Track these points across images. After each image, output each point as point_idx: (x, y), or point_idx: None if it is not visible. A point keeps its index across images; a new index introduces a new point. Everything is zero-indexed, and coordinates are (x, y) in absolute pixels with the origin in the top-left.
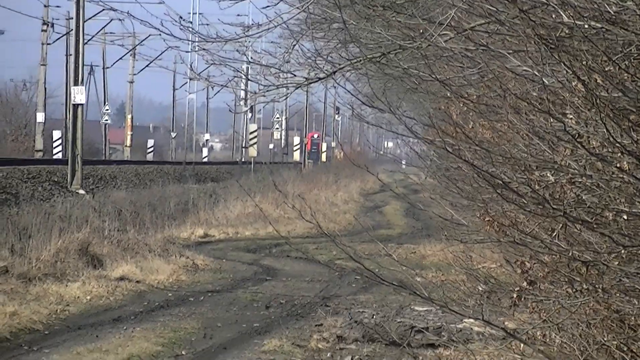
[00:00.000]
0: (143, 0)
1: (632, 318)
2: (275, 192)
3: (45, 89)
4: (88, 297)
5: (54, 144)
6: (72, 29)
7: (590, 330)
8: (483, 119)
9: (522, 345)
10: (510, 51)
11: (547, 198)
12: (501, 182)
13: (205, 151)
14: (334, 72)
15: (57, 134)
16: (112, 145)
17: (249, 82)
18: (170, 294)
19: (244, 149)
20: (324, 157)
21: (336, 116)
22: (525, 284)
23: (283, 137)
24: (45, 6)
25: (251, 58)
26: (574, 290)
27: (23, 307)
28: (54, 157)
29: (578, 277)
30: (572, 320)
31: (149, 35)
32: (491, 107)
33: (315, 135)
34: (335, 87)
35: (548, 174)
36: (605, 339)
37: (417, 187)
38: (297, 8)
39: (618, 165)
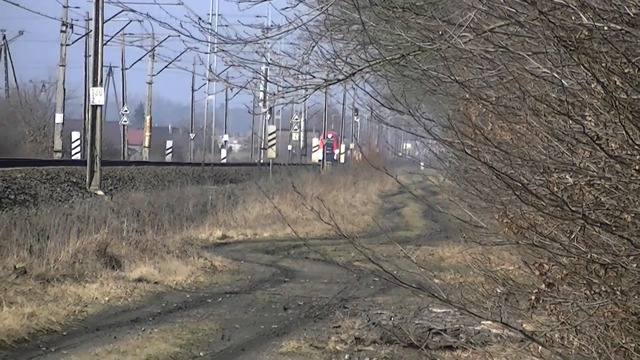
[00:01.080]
0: (162, 1)
1: None
2: (294, 193)
3: (64, 89)
4: (106, 298)
5: (73, 145)
6: (91, 30)
7: (608, 333)
8: (502, 120)
9: (540, 347)
10: (530, 53)
11: (565, 200)
12: (520, 184)
13: (223, 152)
14: (353, 74)
15: (75, 135)
16: (131, 146)
17: (267, 83)
18: (188, 295)
19: (262, 150)
20: (342, 158)
21: (355, 117)
22: (543, 286)
23: (302, 139)
24: (64, 7)
25: (270, 59)
26: (592, 292)
27: (41, 308)
28: (73, 157)
29: (596, 280)
30: (591, 322)
31: (168, 37)
32: (510, 108)
33: (330, 136)
34: (354, 89)
35: (567, 176)
36: (623, 342)
37: (435, 188)
38: (317, 9)
39: (637, 167)
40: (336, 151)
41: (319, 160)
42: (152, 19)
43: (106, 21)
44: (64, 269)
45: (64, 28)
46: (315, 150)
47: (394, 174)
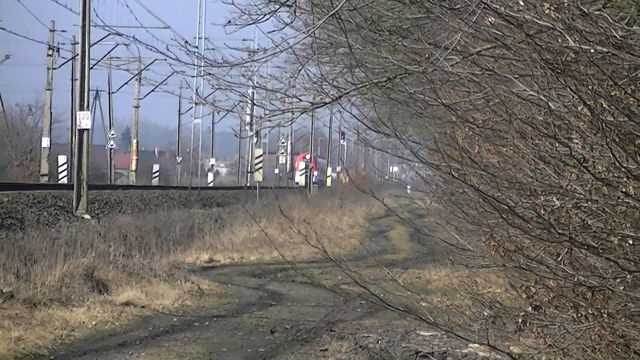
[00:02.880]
0: (149, 25)
1: (638, 343)
2: (281, 216)
3: (50, 113)
4: (93, 322)
5: (60, 169)
6: (77, 54)
7: (595, 355)
8: (489, 143)
9: None
10: (516, 75)
11: (552, 223)
12: (507, 207)
13: (210, 176)
14: (340, 97)
15: (62, 159)
16: (118, 170)
17: (254, 106)
18: (175, 319)
19: (249, 174)
20: (328, 181)
21: (342, 141)
22: (530, 308)
23: (288, 162)
24: (51, 31)
25: (257, 83)
26: (579, 315)
27: (28, 332)
28: (60, 181)
29: (583, 302)
30: (578, 345)
31: (155, 60)
32: (497, 131)
33: (307, 157)
34: (340, 112)
35: (554, 199)
36: None
37: (422, 211)
38: (303, 33)
39: (624, 190)
40: (315, 173)
41: (297, 183)
42: (139, 42)
43: (93, 45)
44: (51, 293)
45: (50, 52)
46: (302, 174)
47: (381, 197)
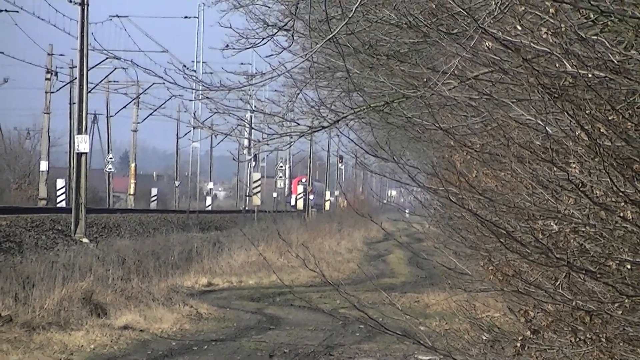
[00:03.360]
0: (147, 49)
1: None
2: (279, 240)
3: (49, 137)
4: (92, 346)
5: (58, 192)
6: (75, 78)
7: None
8: (486, 167)
9: None
10: (514, 100)
11: (550, 247)
12: (504, 232)
13: (208, 200)
14: (337, 121)
15: (60, 183)
16: (116, 193)
17: (252, 130)
18: (174, 343)
19: (247, 198)
20: (326, 205)
21: (340, 164)
22: (528, 333)
23: (286, 186)
24: (49, 54)
25: (255, 106)
26: (578, 339)
27: (27, 355)
28: (58, 205)
29: (581, 327)
30: None
31: (153, 84)
32: (495, 155)
33: (303, 180)
34: (338, 136)
35: (552, 223)
36: None
37: (420, 235)
38: (301, 57)
39: (621, 214)
40: (312, 196)
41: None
42: (137, 66)
43: (91, 69)
44: (50, 316)
45: (48, 76)
46: (300, 197)
47: (379, 221)
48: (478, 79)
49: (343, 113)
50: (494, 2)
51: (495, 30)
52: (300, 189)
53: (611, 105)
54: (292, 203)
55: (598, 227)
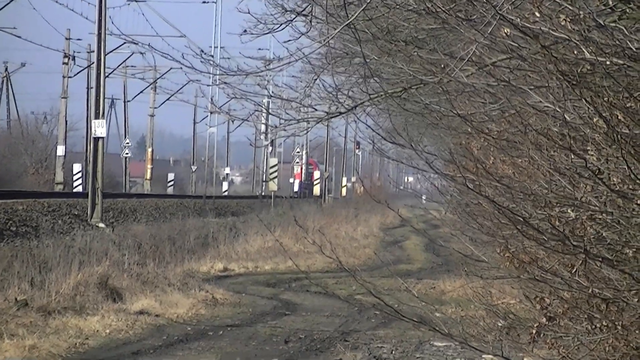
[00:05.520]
0: (165, 33)
1: None
2: (295, 226)
3: (66, 121)
4: (107, 331)
5: (75, 177)
6: (93, 62)
7: None
8: (504, 154)
9: None
10: (532, 87)
11: (567, 235)
12: (521, 219)
13: (225, 185)
14: (355, 107)
15: (77, 167)
16: (133, 178)
17: (269, 116)
18: (189, 328)
19: (264, 183)
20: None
21: (357, 150)
22: (544, 320)
23: (304, 171)
24: (66, 39)
25: (272, 92)
26: (594, 326)
27: (42, 340)
28: (74, 190)
29: (597, 314)
30: (592, 356)
31: (170, 69)
32: (512, 142)
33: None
34: (355, 122)
35: (568, 211)
36: None
37: (437, 222)
38: (319, 42)
39: (639, 202)
40: (315, 181)
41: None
42: (155, 51)
43: (108, 53)
44: (65, 301)
45: (66, 60)
46: (317, 183)
47: (396, 208)
48: (496, 66)
49: (360, 99)
50: None
51: (514, 16)
52: (317, 175)
53: (629, 93)
54: (295, 189)
55: (615, 215)
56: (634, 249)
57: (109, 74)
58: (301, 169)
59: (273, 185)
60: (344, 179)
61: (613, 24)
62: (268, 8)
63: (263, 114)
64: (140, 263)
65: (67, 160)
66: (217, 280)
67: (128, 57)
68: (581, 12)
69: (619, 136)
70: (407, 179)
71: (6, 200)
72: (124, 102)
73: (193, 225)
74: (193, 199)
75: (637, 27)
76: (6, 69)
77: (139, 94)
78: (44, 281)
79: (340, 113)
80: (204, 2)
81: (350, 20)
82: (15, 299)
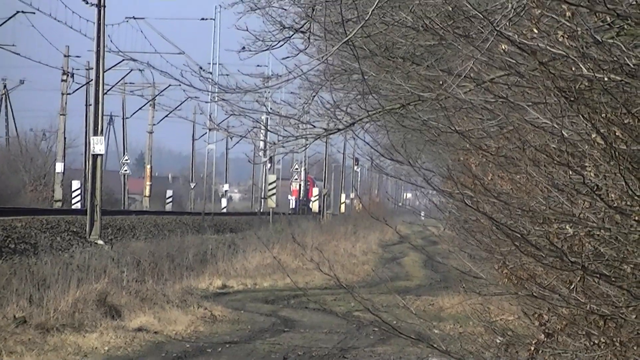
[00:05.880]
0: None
1: None
2: (294, 243)
3: (64, 138)
4: (106, 348)
5: (73, 194)
6: (92, 79)
7: None
8: (502, 170)
9: None
10: (530, 103)
11: (565, 251)
12: (519, 235)
13: (224, 202)
14: (353, 124)
15: (76, 184)
16: (131, 195)
17: (268, 132)
18: (188, 345)
19: (262, 200)
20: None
21: (355, 167)
22: (542, 336)
23: (302, 188)
24: (65, 56)
25: (270, 109)
26: (592, 343)
27: (41, 357)
28: (73, 207)
29: (596, 331)
30: None
31: (169, 86)
32: (510, 159)
33: (297, 178)
34: (354, 138)
35: (566, 227)
36: None
37: (435, 238)
38: (317, 59)
39: (636, 218)
40: (312, 198)
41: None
42: (153, 68)
43: (107, 70)
44: (64, 318)
45: (64, 77)
46: (316, 200)
47: (394, 224)
48: (494, 82)
49: (359, 115)
50: (510, 5)
51: (512, 33)
52: (315, 191)
53: (627, 109)
54: (292, 205)
55: (613, 231)
56: (632, 265)
57: (108, 90)
58: (299, 185)
59: (272, 202)
60: (343, 196)
61: (611, 41)
62: (266, 25)
63: (262, 131)
64: (139, 280)
65: (65, 177)
66: (215, 297)
67: (127, 74)
68: (579, 29)
69: (616, 152)
70: (406, 196)
71: (5, 217)
72: (123, 118)
73: (192, 242)
74: (192, 216)
75: (634, 43)
76: (5, 86)
77: (137, 110)
78: (42, 298)
79: (339, 129)
80: (203, 19)
81: (348, 37)
82: (14, 316)
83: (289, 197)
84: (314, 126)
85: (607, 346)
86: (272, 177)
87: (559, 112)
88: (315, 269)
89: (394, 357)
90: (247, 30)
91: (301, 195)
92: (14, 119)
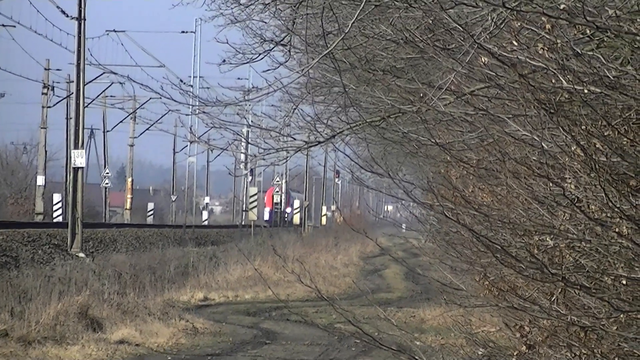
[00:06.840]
0: (144, 63)
1: None
2: (275, 255)
3: (45, 151)
4: None
5: (54, 207)
6: (72, 92)
7: None
8: (482, 183)
9: None
10: (510, 116)
11: (545, 263)
12: (500, 247)
13: (205, 214)
14: (334, 136)
15: (57, 197)
16: (112, 208)
17: (249, 145)
18: (169, 358)
19: (244, 212)
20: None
21: (336, 179)
22: (524, 348)
23: (283, 201)
24: (45, 69)
25: (251, 121)
26: (573, 355)
27: None
28: (54, 220)
29: (577, 342)
30: None
31: (150, 99)
32: (490, 171)
33: (276, 191)
34: (335, 151)
35: (547, 239)
36: None
37: (416, 250)
38: (297, 72)
39: (617, 230)
40: (288, 210)
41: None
42: (134, 81)
43: (87, 83)
44: (45, 331)
45: (45, 90)
46: (297, 212)
47: (375, 237)
48: (474, 95)
49: (339, 128)
50: (490, 18)
51: (492, 45)
52: (275, 199)
53: (607, 121)
54: (266, 217)
55: (593, 243)
56: (613, 277)
57: (89, 104)
58: (271, 196)
59: (253, 215)
60: (324, 208)
61: (590, 53)
62: (246, 38)
63: (242, 144)
64: (121, 293)
65: (46, 190)
66: (197, 310)
67: (107, 87)
68: (559, 41)
69: (596, 165)
70: (387, 208)
71: None
72: (104, 132)
73: (173, 255)
74: (173, 229)
75: (614, 55)
76: None
77: (118, 123)
78: (23, 311)
79: (319, 142)
80: (183, 32)
81: (329, 50)
82: None
83: (265, 208)
84: (295, 139)
85: (588, 358)
86: (253, 190)
87: (539, 124)
88: (297, 281)
89: None
90: (227, 43)
91: (282, 207)
92: None
